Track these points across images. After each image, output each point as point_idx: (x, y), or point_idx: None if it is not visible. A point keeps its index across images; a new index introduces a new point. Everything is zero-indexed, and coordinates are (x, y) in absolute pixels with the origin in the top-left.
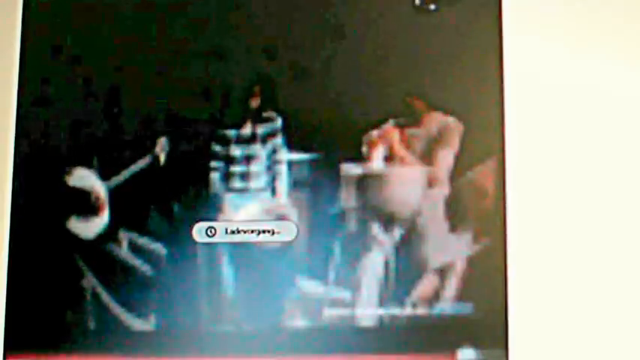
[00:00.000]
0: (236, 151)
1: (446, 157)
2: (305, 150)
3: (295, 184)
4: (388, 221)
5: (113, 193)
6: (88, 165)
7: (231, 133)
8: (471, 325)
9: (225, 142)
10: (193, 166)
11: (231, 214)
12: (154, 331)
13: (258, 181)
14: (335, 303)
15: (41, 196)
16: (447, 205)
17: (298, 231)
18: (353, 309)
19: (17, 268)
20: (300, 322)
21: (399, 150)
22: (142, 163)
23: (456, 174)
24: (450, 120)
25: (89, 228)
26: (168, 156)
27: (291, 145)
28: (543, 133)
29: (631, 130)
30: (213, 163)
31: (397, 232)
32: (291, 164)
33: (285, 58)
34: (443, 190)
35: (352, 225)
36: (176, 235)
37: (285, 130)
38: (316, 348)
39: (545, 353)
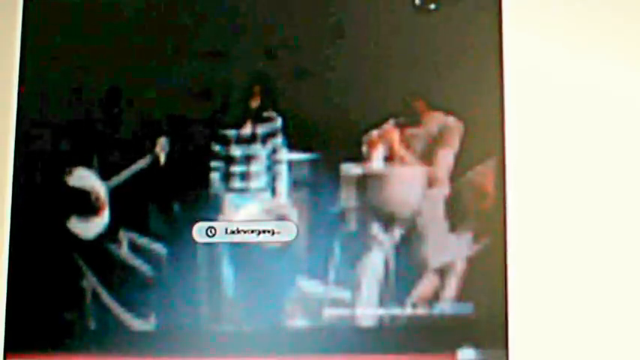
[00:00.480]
0: (236, 151)
1: (446, 157)
2: (305, 150)
3: (295, 184)
4: (388, 221)
5: (113, 193)
6: (88, 165)
7: (231, 133)
8: (471, 325)
9: (225, 142)
10: (193, 166)
11: (231, 214)
12: (154, 331)
13: (258, 181)
14: (335, 303)
15: (41, 196)
16: (447, 205)
17: (298, 231)
18: (353, 309)
19: (17, 268)
20: (300, 322)
21: (399, 150)
22: (142, 163)
23: (456, 174)
24: (450, 120)
25: (89, 228)
26: (168, 156)
27: (291, 145)
28: (543, 133)
29: (631, 130)
30: (214, 163)
31: (397, 232)
32: (291, 164)
33: (285, 58)
34: (443, 190)
35: (352, 225)
36: (176, 235)
37: (285, 130)
38: (316, 348)
39: (545, 353)
